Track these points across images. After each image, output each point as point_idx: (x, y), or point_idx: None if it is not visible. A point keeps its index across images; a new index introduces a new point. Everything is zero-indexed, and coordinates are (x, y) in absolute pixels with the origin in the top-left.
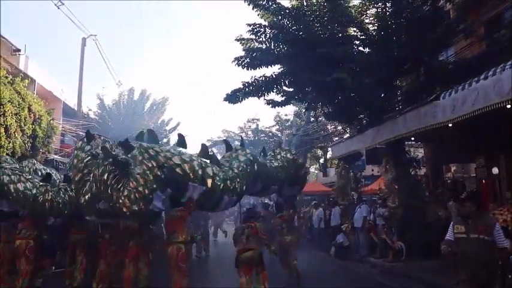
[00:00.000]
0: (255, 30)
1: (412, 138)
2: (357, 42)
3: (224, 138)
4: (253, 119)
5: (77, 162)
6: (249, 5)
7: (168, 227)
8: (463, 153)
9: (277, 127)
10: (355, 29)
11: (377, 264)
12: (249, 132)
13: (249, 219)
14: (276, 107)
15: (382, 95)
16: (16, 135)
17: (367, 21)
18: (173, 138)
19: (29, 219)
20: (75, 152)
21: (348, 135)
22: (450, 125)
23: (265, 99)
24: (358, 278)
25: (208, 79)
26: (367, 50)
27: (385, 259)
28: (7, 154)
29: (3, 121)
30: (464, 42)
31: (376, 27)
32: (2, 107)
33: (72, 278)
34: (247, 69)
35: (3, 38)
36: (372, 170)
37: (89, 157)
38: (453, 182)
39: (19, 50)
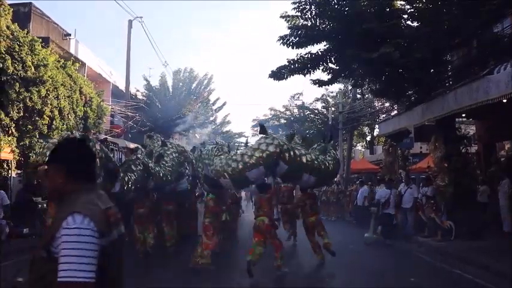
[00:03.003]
0: (301, 7)
1: (463, 115)
2: (405, 16)
3: (270, 116)
4: (297, 94)
5: None
6: None
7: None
8: None
9: (323, 104)
10: (402, 2)
11: (425, 243)
12: (295, 110)
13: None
14: (323, 86)
15: (432, 70)
16: (69, 117)
17: None
18: (220, 117)
19: None
20: None
21: (395, 112)
22: (505, 100)
23: (311, 79)
24: (404, 257)
25: (252, 57)
26: (415, 23)
27: (434, 238)
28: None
29: (57, 103)
30: None
31: None
32: (56, 90)
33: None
34: (293, 47)
35: (55, 23)
36: (421, 148)
37: None
38: (507, 160)
39: (69, 35)
